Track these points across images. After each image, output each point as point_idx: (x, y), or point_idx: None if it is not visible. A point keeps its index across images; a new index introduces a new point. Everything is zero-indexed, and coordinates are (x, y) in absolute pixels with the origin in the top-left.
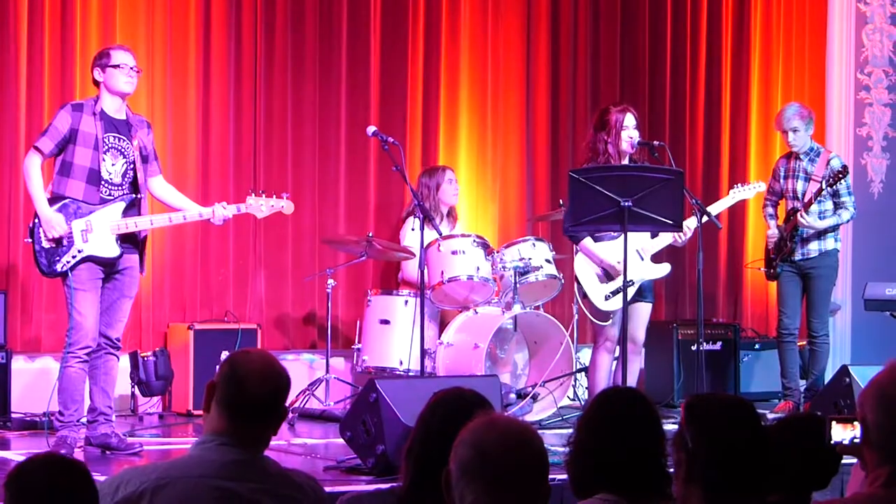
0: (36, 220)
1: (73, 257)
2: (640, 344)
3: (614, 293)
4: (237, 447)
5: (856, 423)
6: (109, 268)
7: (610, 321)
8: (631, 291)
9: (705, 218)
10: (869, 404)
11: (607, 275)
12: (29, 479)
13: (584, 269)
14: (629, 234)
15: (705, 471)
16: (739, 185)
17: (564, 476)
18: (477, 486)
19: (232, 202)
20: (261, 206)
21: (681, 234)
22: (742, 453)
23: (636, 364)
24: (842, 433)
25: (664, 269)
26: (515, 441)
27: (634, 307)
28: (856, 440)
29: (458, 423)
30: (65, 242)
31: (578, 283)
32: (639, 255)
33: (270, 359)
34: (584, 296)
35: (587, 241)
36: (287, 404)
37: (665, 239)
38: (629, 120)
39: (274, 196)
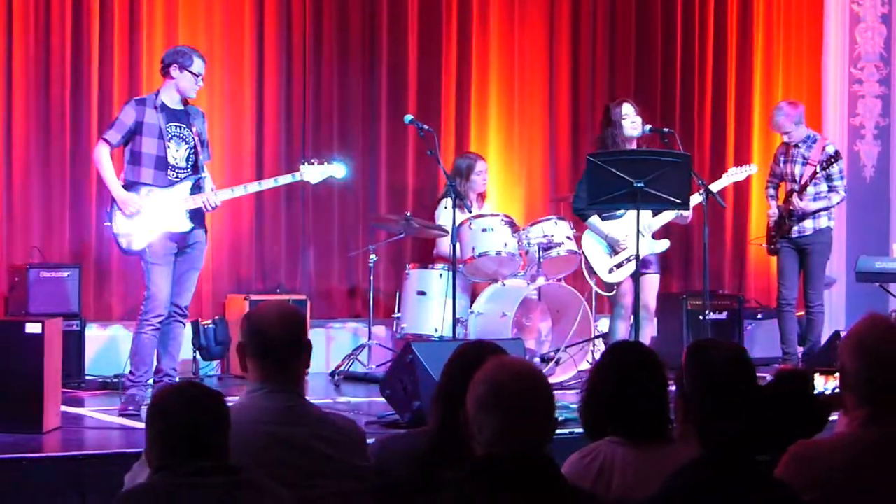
0: (112, 204)
1: (149, 234)
2: (652, 311)
3: (618, 266)
4: (283, 392)
5: (837, 374)
6: (181, 242)
7: (614, 291)
8: (634, 264)
9: (711, 197)
10: (847, 352)
11: (612, 250)
12: (168, 402)
13: (591, 246)
14: (634, 212)
15: (699, 410)
16: (733, 167)
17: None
18: (491, 417)
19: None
20: (314, 171)
21: (684, 212)
22: (731, 393)
23: (648, 330)
24: (824, 383)
25: (664, 244)
26: (523, 376)
27: (644, 279)
28: (836, 390)
29: (478, 369)
30: (140, 222)
31: (585, 258)
32: (641, 232)
33: (280, 303)
34: (591, 269)
35: (594, 219)
36: (335, 368)
37: (665, 217)
38: (626, 109)
39: (325, 162)
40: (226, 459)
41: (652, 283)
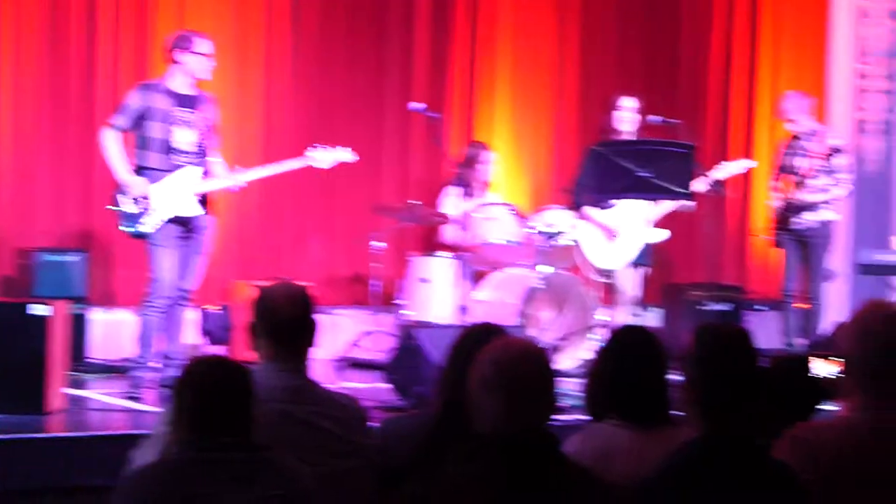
0: (118, 189)
1: (154, 218)
2: (639, 301)
3: (612, 255)
4: (292, 372)
5: (837, 358)
6: (187, 226)
7: (609, 280)
8: (629, 252)
9: (713, 189)
10: (848, 337)
11: (607, 238)
12: (195, 376)
13: (586, 234)
14: (632, 201)
15: (703, 392)
16: (726, 161)
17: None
18: (495, 396)
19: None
20: (324, 157)
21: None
22: (734, 376)
23: (638, 318)
24: (823, 367)
25: (663, 234)
26: (526, 356)
27: (635, 269)
28: (836, 373)
29: (482, 350)
30: (146, 206)
31: (580, 246)
32: (636, 220)
33: (291, 284)
34: (585, 258)
35: (588, 209)
36: (339, 354)
37: (666, 206)
38: (625, 102)
39: (333, 148)
40: (250, 436)
41: (641, 274)
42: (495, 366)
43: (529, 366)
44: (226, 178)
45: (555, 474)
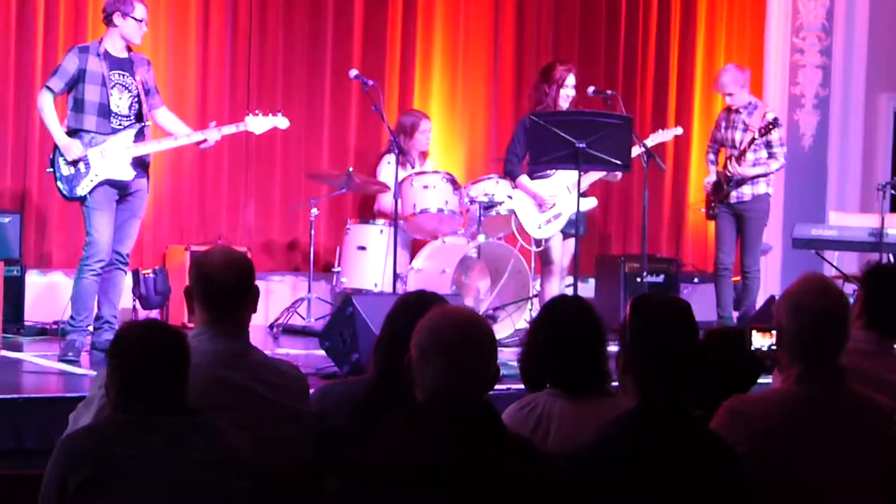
0: (55, 151)
1: (91, 181)
2: (566, 270)
3: (546, 223)
4: (227, 337)
5: (773, 331)
6: (123, 190)
7: (541, 248)
8: (562, 222)
9: (651, 160)
10: (782, 311)
11: (540, 207)
12: (129, 340)
13: (520, 203)
14: (562, 171)
15: (640, 363)
16: (660, 129)
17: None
18: (433, 363)
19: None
20: (259, 123)
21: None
22: (672, 348)
23: (556, 287)
24: (761, 340)
25: (591, 202)
26: (465, 322)
27: (566, 240)
28: (773, 346)
29: (420, 317)
30: (83, 168)
31: (515, 215)
32: (568, 190)
33: (229, 250)
34: (520, 226)
35: (523, 178)
36: (274, 320)
37: (593, 176)
38: (570, 80)
39: (270, 114)
40: (184, 400)
41: (571, 243)
42: (434, 332)
43: (468, 333)
44: (160, 142)
45: (492, 443)
